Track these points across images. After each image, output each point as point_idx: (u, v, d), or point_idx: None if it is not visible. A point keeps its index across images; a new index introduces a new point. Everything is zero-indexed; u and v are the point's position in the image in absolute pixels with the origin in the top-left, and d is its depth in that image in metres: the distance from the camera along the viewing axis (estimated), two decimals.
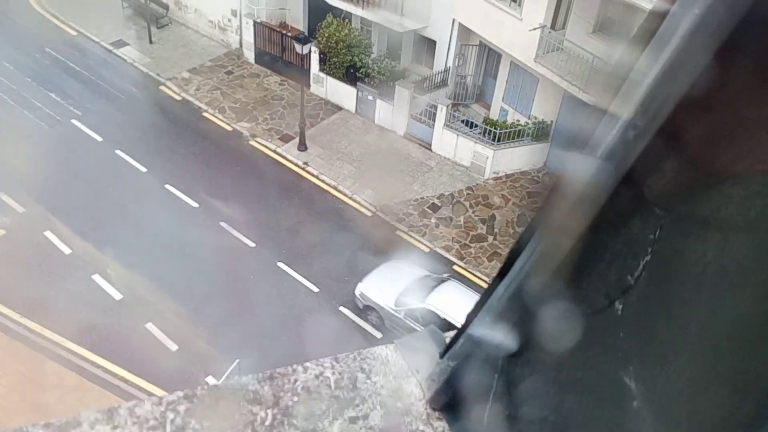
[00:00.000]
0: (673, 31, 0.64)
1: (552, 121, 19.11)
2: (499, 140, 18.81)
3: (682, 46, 0.63)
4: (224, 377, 11.90)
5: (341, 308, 15.59)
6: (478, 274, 16.59)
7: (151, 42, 22.96)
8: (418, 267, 15.55)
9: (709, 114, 0.65)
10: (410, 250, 16.72)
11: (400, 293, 14.81)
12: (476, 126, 19.68)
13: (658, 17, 0.68)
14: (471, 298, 14.48)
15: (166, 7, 23.71)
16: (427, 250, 17.06)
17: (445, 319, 13.72)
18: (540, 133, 19.11)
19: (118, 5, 24.04)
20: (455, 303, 14.11)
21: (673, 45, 0.63)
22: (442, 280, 15.22)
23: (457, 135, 19.30)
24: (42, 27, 23.33)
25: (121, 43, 22.92)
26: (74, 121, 19.90)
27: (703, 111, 0.65)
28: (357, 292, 15.21)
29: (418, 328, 14.50)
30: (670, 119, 0.67)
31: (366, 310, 15.25)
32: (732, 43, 0.59)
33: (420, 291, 14.73)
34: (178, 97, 21.28)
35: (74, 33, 23.22)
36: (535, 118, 19.25)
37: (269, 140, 20.00)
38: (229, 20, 22.98)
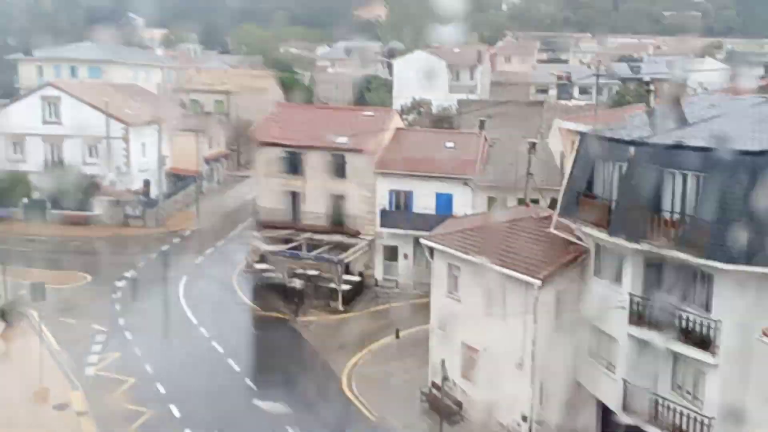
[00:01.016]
0: None
1: None
2: None
3: None
4: None
5: None
6: None
7: None
8: None
9: None
10: None
11: None
12: None
13: None
14: None
15: (459, 404, 23.68)
16: None
17: None
18: None
19: (418, 397, 24.90)
20: None
21: None
22: None
23: None
24: (346, 410, 25.06)
25: None
26: None
27: None
28: None
29: None
30: None
31: None
32: None
33: None
34: None
35: (374, 419, 24.28)
36: None
37: None
38: (519, 425, 21.68)
